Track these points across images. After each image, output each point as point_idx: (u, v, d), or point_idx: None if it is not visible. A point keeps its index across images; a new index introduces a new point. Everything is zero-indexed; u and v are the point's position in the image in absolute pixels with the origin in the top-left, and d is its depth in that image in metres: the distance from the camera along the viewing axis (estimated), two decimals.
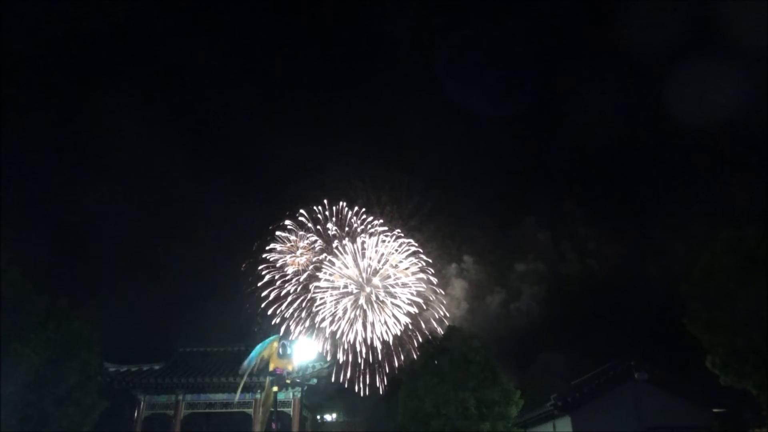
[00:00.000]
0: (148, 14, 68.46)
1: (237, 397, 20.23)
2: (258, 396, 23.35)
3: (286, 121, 79.43)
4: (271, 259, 52.46)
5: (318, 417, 29.23)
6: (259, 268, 52.01)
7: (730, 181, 48.16)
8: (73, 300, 18.67)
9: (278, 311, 51.23)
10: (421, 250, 53.91)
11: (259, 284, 51.51)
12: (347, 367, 49.82)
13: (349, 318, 50.71)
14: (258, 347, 7.55)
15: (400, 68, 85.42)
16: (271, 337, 7.37)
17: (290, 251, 53.16)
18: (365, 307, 51.39)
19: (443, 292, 54.88)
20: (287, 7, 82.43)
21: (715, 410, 22.39)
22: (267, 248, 52.77)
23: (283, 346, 6.48)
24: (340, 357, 49.35)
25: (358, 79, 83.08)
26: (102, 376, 20.50)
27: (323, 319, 50.45)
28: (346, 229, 54.67)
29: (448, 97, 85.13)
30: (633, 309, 47.34)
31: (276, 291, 51.65)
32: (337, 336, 49.88)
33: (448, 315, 53.39)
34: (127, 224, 56.86)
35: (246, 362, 8.43)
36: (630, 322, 44.04)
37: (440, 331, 43.93)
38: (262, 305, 51.04)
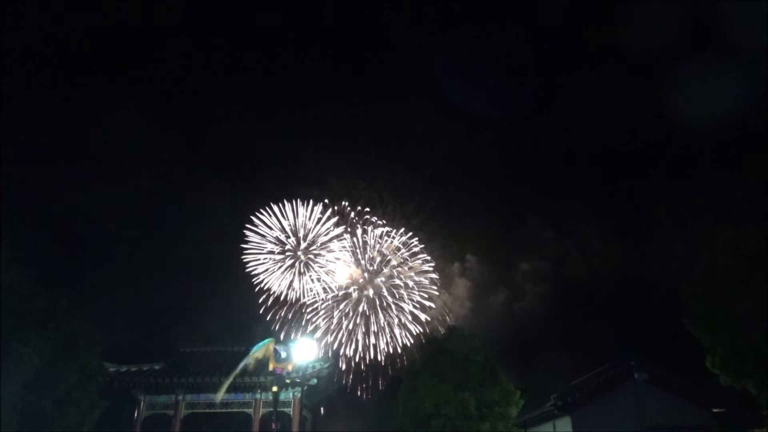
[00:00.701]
0: (146, 12, 68.43)
1: (219, 396, 20.94)
2: (258, 396, 23.40)
3: (286, 122, 79.39)
4: (267, 261, 52.29)
5: (320, 411, 29.20)
6: (257, 272, 51.82)
7: (731, 181, 48.22)
8: (73, 300, 18.70)
9: (278, 315, 51.24)
10: (424, 253, 53.70)
11: (256, 290, 51.39)
12: (349, 373, 49.69)
13: (348, 327, 50.35)
14: (253, 348, 7.48)
15: (402, 68, 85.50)
16: (266, 340, 7.27)
17: (286, 253, 52.97)
18: (368, 312, 51.07)
19: (447, 293, 54.81)
20: (287, 6, 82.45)
21: (715, 410, 22.39)
22: (266, 251, 52.61)
23: (276, 351, 6.40)
24: (342, 364, 49.13)
25: (359, 79, 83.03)
26: (102, 376, 20.52)
27: (324, 323, 50.32)
28: (349, 229, 54.54)
29: (449, 96, 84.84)
30: (633, 309, 47.45)
31: (275, 294, 51.59)
32: (335, 346, 49.56)
33: (451, 314, 53.28)
34: (127, 224, 57.01)
35: (241, 364, 8.33)
36: (630, 322, 44.12)
37: (442, 330, 44.02)
38: (261, 310, 51.08)
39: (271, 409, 10.35)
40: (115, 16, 63.30)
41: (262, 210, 52.46)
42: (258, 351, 7.13)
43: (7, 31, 45.73)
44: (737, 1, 44.91)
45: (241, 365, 8.18)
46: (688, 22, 50.22)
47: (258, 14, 76.33)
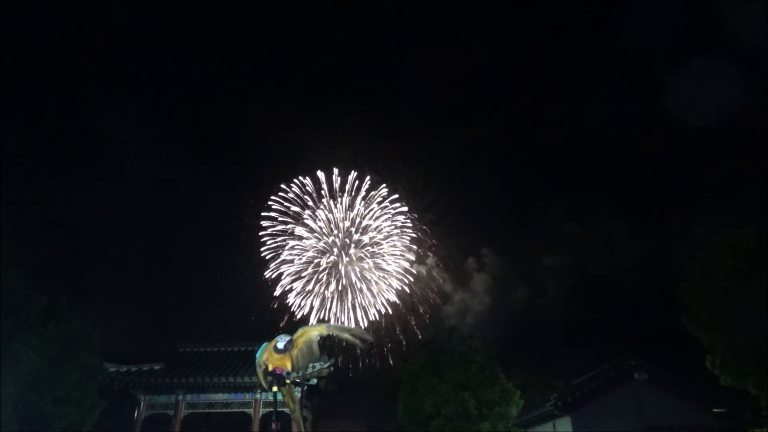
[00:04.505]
0: (145, 10, 68.34)
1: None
2: (258, 396, 23.43)
3: (290, 119, 78.78)
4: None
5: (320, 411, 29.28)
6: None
7: (732, 181, 48.27)
8: (73, 300, 18.73)
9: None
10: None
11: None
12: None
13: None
14: (257, 356, 7.38)
15: (407, 65, 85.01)
16: (264, 344, 7.16)
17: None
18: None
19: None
20: (287, 4, 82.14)
21: (715, 410, 22.40)
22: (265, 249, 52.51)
23: (285, 341, 6.23)
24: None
25: (367, 74, 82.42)
26: (102, 376, 20.52)
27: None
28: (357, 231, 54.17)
29: (461, 93, 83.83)
30: (633, 309, 47.49)
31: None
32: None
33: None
34: (127, 223, 56.95)
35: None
36: (631, 321, 44.14)
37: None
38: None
39: (271, 409, 10.34)
40: (112, 15, 63.31)
41: (266, 208, 52.29)
42: (261, 356, 7.03)
43: (8, 30, 45.78)
44: (740, 1, 44.95)
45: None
46: (691, 20, 50.27)
47: (258, 11, 76.14)
